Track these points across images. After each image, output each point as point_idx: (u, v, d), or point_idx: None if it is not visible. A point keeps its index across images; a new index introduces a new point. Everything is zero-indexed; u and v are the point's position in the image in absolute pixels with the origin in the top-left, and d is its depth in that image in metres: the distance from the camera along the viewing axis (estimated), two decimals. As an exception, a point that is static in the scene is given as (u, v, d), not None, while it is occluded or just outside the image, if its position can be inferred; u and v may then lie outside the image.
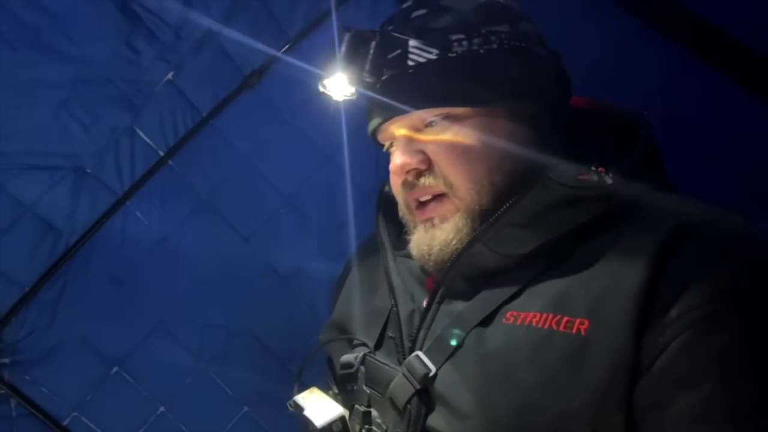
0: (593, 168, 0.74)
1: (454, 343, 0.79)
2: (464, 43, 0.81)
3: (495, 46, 0.81)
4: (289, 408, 0.97)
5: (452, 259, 0.82)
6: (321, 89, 0.91)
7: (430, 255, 0.84)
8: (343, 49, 0.83)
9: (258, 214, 1.65)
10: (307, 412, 0.88)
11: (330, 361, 1.06)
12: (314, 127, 1.64)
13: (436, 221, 0.84)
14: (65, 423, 1.56)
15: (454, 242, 0.82)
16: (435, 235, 0.84)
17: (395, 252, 0.99)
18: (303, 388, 0.97)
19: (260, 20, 1.54)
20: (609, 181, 0.73)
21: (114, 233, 1.56)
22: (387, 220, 1.03)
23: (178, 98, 1.55)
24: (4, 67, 1.32)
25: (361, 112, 1.44)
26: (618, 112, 0.88)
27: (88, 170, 1.51)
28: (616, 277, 0.69)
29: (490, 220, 0.79)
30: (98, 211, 1.54)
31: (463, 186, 0.81)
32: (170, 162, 1.59)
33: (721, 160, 1.60)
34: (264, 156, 1.64)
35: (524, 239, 0.77)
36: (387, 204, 1.03)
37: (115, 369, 1.59)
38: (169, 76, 1.52)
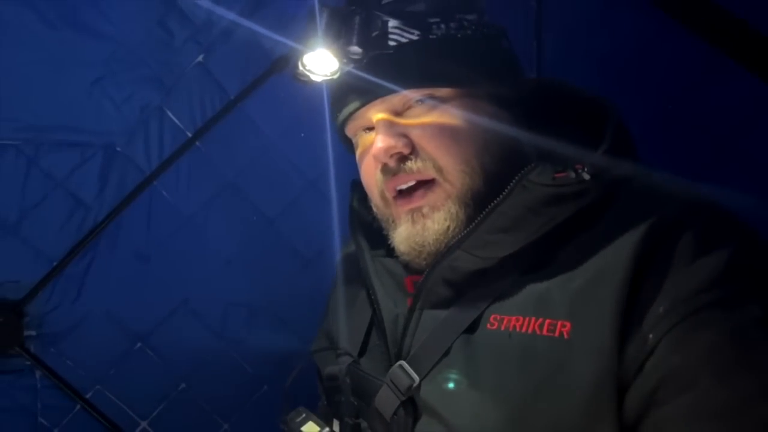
0: (570, 164, 0.73)
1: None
2: (442, 26, 0.80)
3: (469, 32, 0.81)
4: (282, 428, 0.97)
5: (432, 263, 0.79)
6: (300, 68, 0.85)
7: (423, 248, 0.80)
8: (326, 24, 0.79)
9: (283, 197, 1.68)
10: None
11: (319, 373, 1.04)
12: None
13: (425, 210, 0.80)
14: (88, 395, 1.59)
15: (450, 231, 0.78)
16: (426, 226, 0.79)
17: (372, 252, 0.94)
18: (291, 400, 0.97)
19: (291, 3, 1.57)
20: (586, 177, 0.71)
21: (141, 211, 1.59)
22: (363, 219, 0.98)
23: (207, 80, 1.57)
24: (42, 44, 1.35)
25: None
26: (586, 95, 0.86)
27: (118, 148, 1.53)
28: (596, 276, 0.67)
29: (471, 226, 0.75)
30: (126, 188, 1.56)
31: (453, 168, 0.78)
32: (197, 143, 1.61)
33: (748, 157, 1.60)
34: (290, 140, 1.66)
35: (506, 242, 0.75)
36: (362, 198, 0.97)
37: (138, 344, 1.62)
38: (200, 58, 1.55)
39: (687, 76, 1.57)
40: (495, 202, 0.74)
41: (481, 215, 0.75)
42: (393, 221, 0.84)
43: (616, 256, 0.67)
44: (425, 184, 0.79)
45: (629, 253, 0.66)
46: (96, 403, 1.60)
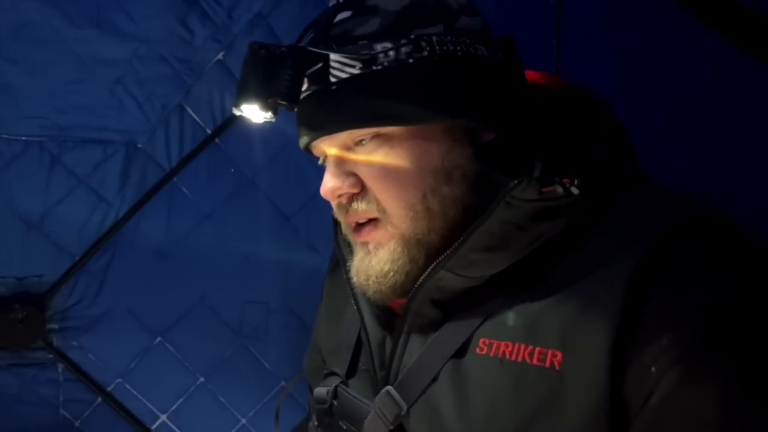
0: (557, 179, 0.68)
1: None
2: (391, 53, 0.71)
3: (426, 53, 0.71)
4: None
5: (417, 285, 0.75)
6: (237, 113, 0.79)
7: (368, 284, 0.77)
8: (254, 71, 0.72)
9: (300, 195, 1.69)
10: None
11: (311, 390, 0.99)
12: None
13: (371, 247, 0.77)
14: (109, 389, 1.62)
15: (391, 274, 0.74)
16: (371, 264, 0.76)
17: None
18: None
19: (309, 3, 1.57)
20: (575, 191, 0.67)
21: (161, 208, 1.61)
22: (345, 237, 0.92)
23: (227, 78, 1.59)
24: (66, 42, 1.37)
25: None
26: (581, 92, 0.80)
27: (139, 145, 1.55)
28: (589, 300, 0.63)
29: (454, 245, 0.71)
30: (147, 185, 1.58)
31: (395, 213, 0.73)
32: (217, 140, 1.62)
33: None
34: (309, 138, 1.67)
35: (493, 261, 0.71)
36: None
37: (158, 339, 1.64)
38: (220, 56, 1.56)
39: (709, 74, 1.55)
40: (477, 220, 0.69)
41: (464, 235, 0.70)
42: (354, 248, 0.82)
43: (610, 279, 0.62)
44: (372, 222, 0.76)
45: (624, 275, 0.61)
46: (117, 397, 1.62)
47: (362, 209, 0.75)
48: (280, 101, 0.72)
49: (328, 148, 0.76)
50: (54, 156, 1.47)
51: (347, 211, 0.77)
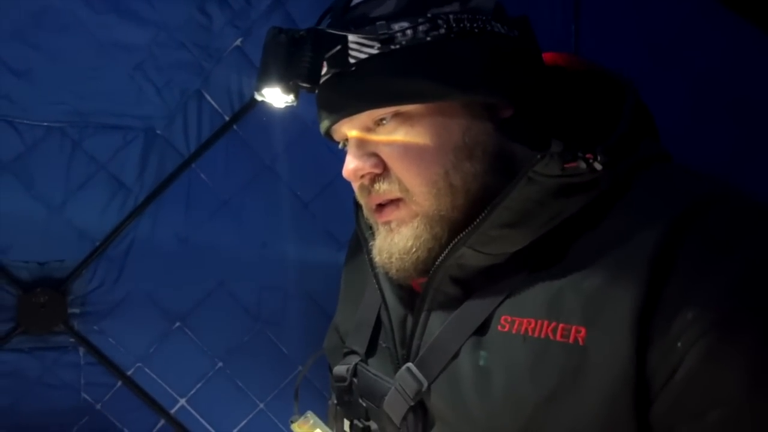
0: (580, 154, 0.67)
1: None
2: (408, 32, 0.72)
3: (443, 30, 0.72)
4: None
5: (438, 262, 0.75)
6: (258, 98, 0.79)
7: (391, 262, 0.77)
8: (274, 55, 0.73)
9: (318, 181, 1.69)
10: None
11: (330, 369, 1.00)
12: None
13: (393, 225, 0.77)
14: (129, 373, 1.64)
15: (414, 250, 0.75)
16: (394, 242, 0.76)
17: None
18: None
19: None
20: (598, 167, 0.66)
21: (180, 194, 1.62)
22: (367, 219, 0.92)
23: (245, 64, 1.59)
24: (86, 28, 1.38)
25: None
26: (603, 73, 0.80)
27: (158, 131, 1.56)
28: (612, 276, 0.63)
29: (475, 222, 0.71)
30: (165, 171, 1.59)
31: (419, 190, 0.73)
32: (235, 126, 1.63)
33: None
34: (326, 124, 1.67)
35: (514, 238, 0.71)
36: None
37: (177, 324, 1.66)
38: (238, 42, 1.56)
39: (730, 56, 1.53)
40: (498, 197, 0.69)
41: (485, 211, 0.70)
42: (375, 229, 0.82)
43: (632, 254, 0.62)
44: (395, 201, 0.76)
45: (647, 251, 0.61)
46: (137, 380, 1.64)
47: (385, 189, 0.75)
48: (301, 84, 0.72)
49: (349, 130, 0.77)
50: (75, 142, 1.48)
51: (370, 192, 0.77)
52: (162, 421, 1.68)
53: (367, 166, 0.75)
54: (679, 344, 0.58)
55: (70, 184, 1.50)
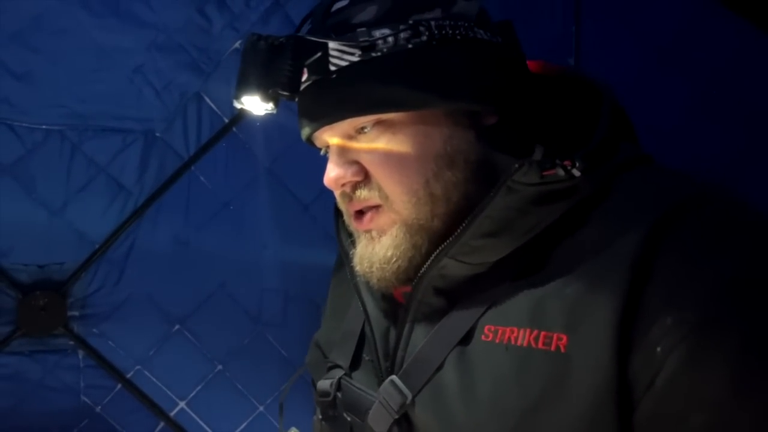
0: (558, 161, 0.67)
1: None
2: (389, 39, 0.71)
3: (425, 37, 0.72)
4: None
5: (421, 273, 0.74)
6: (237, 106, 0.79)
7: (372, 271, 0.77)
8: (253, 63, 0.73)
9: (318, 183, 1.66)
10: None
11: (314, 384, 0.99)
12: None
13: (374, 234, 0.77)
14: (129, 375, 1.63)
15: (394, 259, 0.74)
16: (374, 251, 0.76)
17: None
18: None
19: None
20: (577, 173, 0.66)
21: (180, 196, 1.62)
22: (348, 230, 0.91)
23: (244, 67, 1.59)
24: (85, 31, 1.38)
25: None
26: (578, 78, 0.80)
27: (158, 134, 1.56)
28: (592, 282, 0.63)
29: (456, 232, 0.70)
30: (165, 174, 1.59)
31: (398, 198, 0.73)
32: (234, 129, 1.63)
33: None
34: (325, 126, 1.67)
35: (496, 247, 0.70)
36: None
37: (177, 327, 1.65)
38: (237, 44, 1.56)
39: (729, 57, 1.53)
40: (479, 206, 0.69)
41: (466, 221, 0.70)
42: (356, 238, 0.81)
43: (612, 261, 0.62)
44: (375, 209, 0.76)
45: (627, 257, 0.61)
46: (137, 383, 1.64)
47: (365, 196, 0.75)
48: (280, 92, 0.72)
49: (330, 137, 0.76)
50: (74, 144, 1.48)
51: (351, 199, 0.77)
52: (162, 424, 1.68)
53: (349, 174, 0.75)
54: (658, 349, 0.57)
55: (70, 186, 1.50)
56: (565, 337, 0.63)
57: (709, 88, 1.47)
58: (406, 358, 0.77)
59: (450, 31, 0.73)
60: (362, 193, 0.75)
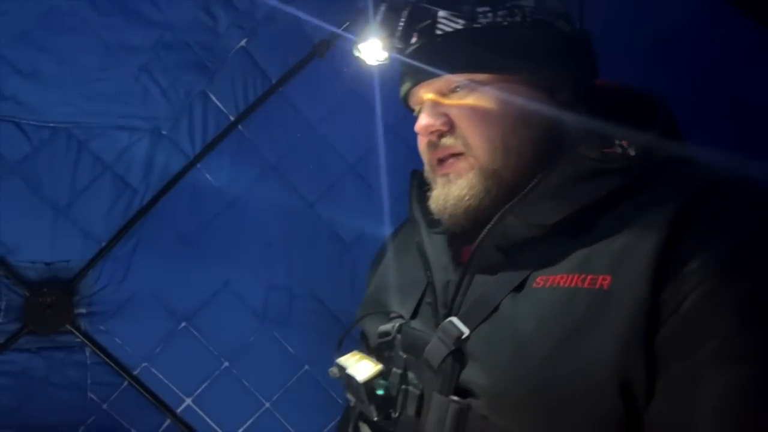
0: (617, 142, 0.80)
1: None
2: (489, 15, 0.87)
3: (518, 19, 0.87)
4: (331, 374, 1.01)
5: (485, 231, 0.85)
6: (356, 54, 0.99)
7: (445, 209, 0.90)
8: (378, 17, 0.91)
9: (323, 181, 1.70)
10: (349, 371, 0.93)
11: (364, 335, 1.10)
12: (379, 98, 1.67)
13: (451, 176, 0.90)
14: (136, 372, 1.64)
15: (467, 198, 0.87)
16: (450, 191, 0.89)
17: (429, 230, 1.02)
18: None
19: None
20: (632, 153, 0.78)
21: (185, 194, 1.62)
22: (421, 201, 1.05)
23: (249, 65, 1.59)
24: (92, 30, 1.38)
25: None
26: (638, 93, 0.92)
27: (164, 132, 1.57)
28: (637, 238, 0.73)
29: (521, 193, 0.82)
30: (171, 172, 1.60)
31: (478, 146, 0.87)
32: (240, 127, 1.63)
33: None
34: (330, 124, 1.67)
35: (553, 210, 0.81)
36: (420, 184, 1.06)
37: (183, 324, 1.66)
38: (243, 42, 1.57)
39: (734, 55, 1.53)
40: (543, 172, 0.81)
41: (532, 183, 0.81)
42: (434, 185, 0.94)
43: (654, 221, 0.72)
44: (455, 156, 0.89)
45: (667, 217, 0.71)
46: (143, 380, 1.65)
47: (449, 144, 0.89)
48: (396, 43, 0.90)
49: (426, 93, 0.91)
50: (81, 142, 1.49)
51: (436, 147, 0.91)
52: (168, 421, 1.69)
53: (438, 123, 0.89)
54: (686, 284, 0.67)
55: (76, 184, 1.51)
56: (609, 278, 0.73)
57: (712, 86, 1.47)
58: (464, 303, 0.87)
59: (539, 17, 0.88)
60: (447, 140, 0.89)
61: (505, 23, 0.87)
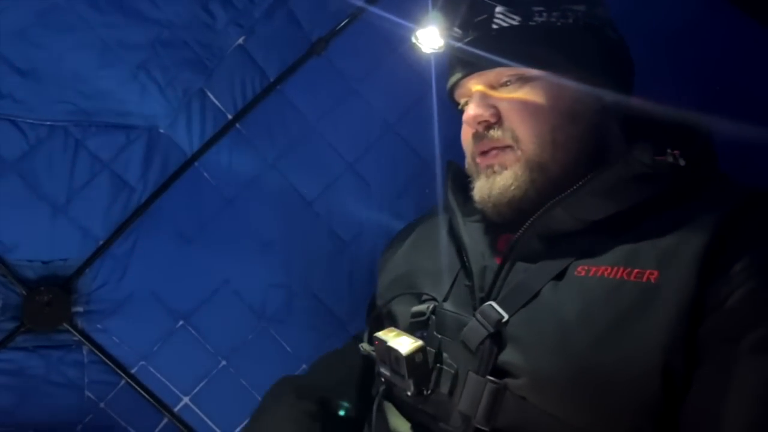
0: (669, 150, 0.83)
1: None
2: (544, 14, 0.91)
3: (571, 21, 0.91)
4: (362, 349, 1.04)
5: (531, 220, 0.88)
6: (413, 40, 1.03)
7: (489, 198, 0.93)
8: (439, 5, 0.95)
9: (322, 179, 1.69)
10: (390, 343, 0.93)
11: (390, 318, 1.10)
12: (378, 96, 1.67)
13: (496, 168, 0.92)
14: (133, 371, 1.64)
15: (512, 188, 0.90)
16: (495, 181, 0.92)
17: (465, 219, 1.04)
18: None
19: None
20: (682, 163, 0.82)
21: (183, 193, 1.61)
22: (455, 192, 1.09)
23: (247, 62, 1.58)
24: (90, 27, 1.37)
25: (424, 84, 1.47)
26: (677, 114, 0.95)
27: (162, 130, 1.56)
28: (684, 238, 0.76)
29: (574, 187, 0.84)
30: (169, 170, 1.59)
31: (527, 139, 0.90)
32: (238, 125, 1.63)
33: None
34: (329, 122, 1.66)
35: (601, 207, 0.84)
36: (455, 175, 1.10)
37: (180, 323, 1.66)
38: (241, 40, 1.56)
39: (734, 54, 1.53)
40: (597, 170, 0.84)
41: (585, 179, 0.84)
42: (477, 176, 0.97)
43: (702, 224, 0.76)
44: (501, 148, 0.92)
45: (714, 222, 0.75)
46: (141, 379, 1.64)
47: (498, 136, 0.92)
48: (455, 30, 0.94)
49: (476, 85, 0.95)
50: (78, 140, 1.48)
51: (482, 138, 0.94)
52: (165, 420, 1.68)
53: (487, 114, 0.92)
54: (726, 287, 0.72)
55: (73, 183, 1.50)
56: (656, 273, 0.75)
57: (713, 86, 1.47)
58: (504, 289, 0.90)
59: (590, 21, 0.93)
60: (495, 133, 0.92)
61: (559, 24, 0.91)
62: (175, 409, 1.69)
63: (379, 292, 1.19)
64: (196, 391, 1.70)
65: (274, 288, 1.70)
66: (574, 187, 0.85)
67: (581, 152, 0.90)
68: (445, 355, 0.92)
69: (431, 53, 1.06)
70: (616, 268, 0.79)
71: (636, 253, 0.79)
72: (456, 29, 0.94)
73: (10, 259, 1.49)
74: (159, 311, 1.64)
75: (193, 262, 1.64)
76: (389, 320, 1.11)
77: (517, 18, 0.91)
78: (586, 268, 0.82)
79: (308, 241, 1.70)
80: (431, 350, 0.93)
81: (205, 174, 1.63)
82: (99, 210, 1.54)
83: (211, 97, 1.59)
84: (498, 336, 0.85)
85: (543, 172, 0.90)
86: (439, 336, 0.94)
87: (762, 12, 1.47)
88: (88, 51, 1.39)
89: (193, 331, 1.67)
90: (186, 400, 1.69)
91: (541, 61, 0.90)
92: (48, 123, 1.44)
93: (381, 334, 0.98)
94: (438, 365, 0.91)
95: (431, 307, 0.97)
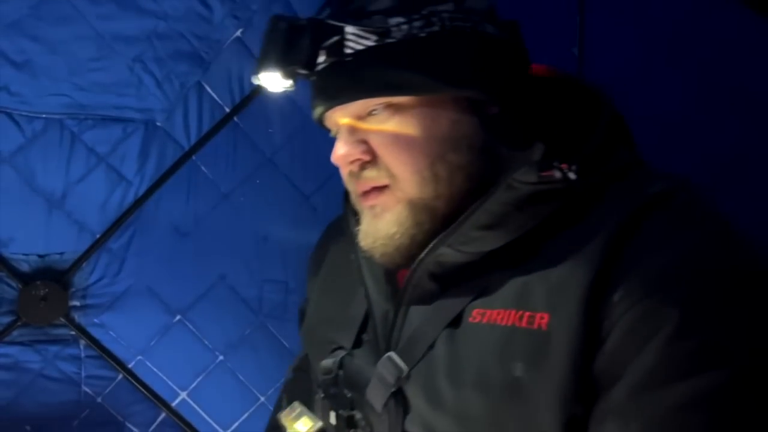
0: (555, 164, 0.72)
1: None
2: (404, 27, 0.75)
3: (437, 28, 0.76)
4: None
5: (418, 260, 0.79)
6: (256, 82, 0.83)
7: (375, 246, 0.81)
8: (274, 41, 0.77)
9: (319, 174, 1.68)
10: (290, 431, 0.91)
11: (313, 365, 1.02)
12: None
13: (378, 210, 0.81)
14: (130, 366, 1.63)
15: (397, 236, 0.79)
16: (378, 228, 0.80)
17: (365, 252, 0.90)
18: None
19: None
20: (572, 176, 0.71)
21: (180, 187, 1.61)
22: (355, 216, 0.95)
23: (245, 55, 1.57)
24: (86, 20, 1.37)
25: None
26: (580, 85, 0.84)
27: (159, 124, 1.55)
28: (573, 269, 0.68)
29: (455, 223, 0.75)
30: (166, 164, 1.58)
31: (404, 177, 0.77)
32: (235, 118, 1.62)
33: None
34: (327, 116, 1.66)
35: (490, 238, 0.75)
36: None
37: (178, 317, 1.65)
38: (238, 33, 1.55)
39: (734, 48, 1.52)
40: (478, 201, 0.74)
41: (466, 212, 0.74)
42: (361, 213, 0.85)
43: (590, 247, 0.68)
44: (379, 189, 0.80)
45: (601, 243, 0.68)
46: (138, 373, 1.64)
47: (372, 176, 0.79)
48: (299, 70, 0.77)
49: (341, 117, 0.80)
50: (74, 134, 1.47)
51: (358, 178, 0.81)
52: (163, 414, 1.68)
53: (357, 153, 0.78)
54: (607, 322, 0.65)
55: (70, 176, 1.49)
56: (547, 316, 0.68)
57: (712, 78, 1.46)
58: (402, 338, 0.82)
59: (460, 24, 0.77)
60: (370, 173, 0.79)
61: (423, 35, 0.75)
62: (173, 404, 1.68)
63: (303, 328, 1.12)
64: (193, 385, 1.69)
65: (271, 283, 1.69)
66: (455, 224, 0.75)
67: (470, 180, 0.78)
68: (358, 416, 0.86)
69: (284, 91, 0.87)
70: (507, 312, 0.72)
71: (528, 292, 0.71)
72: (298, 67, 0.77)
73: (6, 253, 1.49)
74: (156, 306, 1.63)
75: (190, 257, 1.63)
76: (312, 369, 1.03)
77: (373, 37, 0.75)
78: (481, 311, 0.75)
79: (305, 236, 1.68)
80: (343, 414, 0.87)
81: (203, 168, 1.62)
82: (95, 204, 1.54)
83: (209, 90, 1.58)
84: (401, 394, 0.80)
85: (428, 211, 0.78)
86: (349, 394, 0.87)
87: (758, 1, 1.46)
88: (83, 43, 1.38)
89: (190, 326, 1.66)
90: (183, 395, 1.69)
91: (405, 86, 0.75)
92: (43, 116, 1.44)
93: (283, 416, 0.94)
94: (352, 431, 0.87)
95: (338, 360, 0.89)
